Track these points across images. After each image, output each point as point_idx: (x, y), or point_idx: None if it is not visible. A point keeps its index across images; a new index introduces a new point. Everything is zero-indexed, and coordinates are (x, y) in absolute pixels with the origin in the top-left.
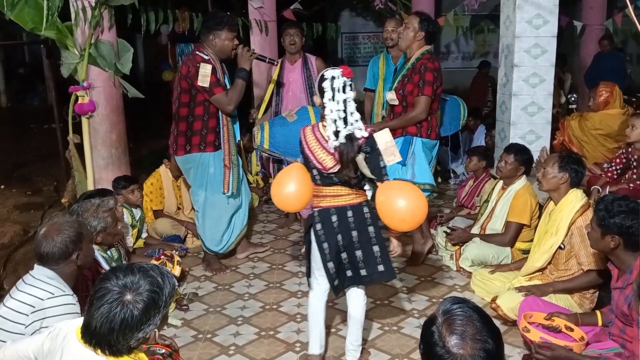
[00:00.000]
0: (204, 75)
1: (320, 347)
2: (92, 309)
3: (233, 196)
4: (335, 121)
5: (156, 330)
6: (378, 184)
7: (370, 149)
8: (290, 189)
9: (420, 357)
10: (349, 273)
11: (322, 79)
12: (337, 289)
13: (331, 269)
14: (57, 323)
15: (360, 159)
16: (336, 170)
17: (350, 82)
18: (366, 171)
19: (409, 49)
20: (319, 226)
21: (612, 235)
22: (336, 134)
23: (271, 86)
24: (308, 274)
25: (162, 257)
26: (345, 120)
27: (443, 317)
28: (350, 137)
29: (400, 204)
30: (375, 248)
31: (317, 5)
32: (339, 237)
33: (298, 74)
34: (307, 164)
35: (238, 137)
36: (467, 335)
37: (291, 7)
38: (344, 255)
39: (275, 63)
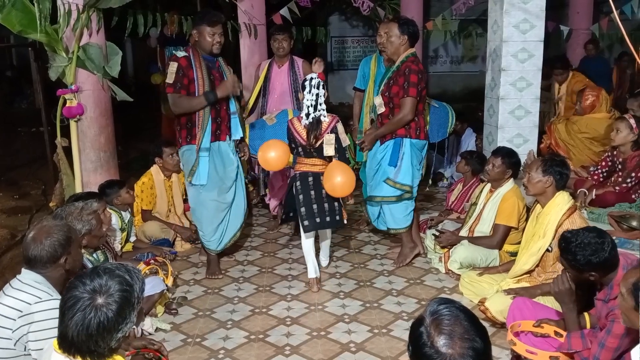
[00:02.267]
0: (170, 73)
1: (315, 272)
2: (65, 319)
3: (214, 192)
4: (308, 107)
5: (135, 327)
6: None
7: (336, 134)
8: (272, 154)
9: (409, 359)
10: (317, 220)
11: (305, 79)
12: (307, 229)
13: (302, 212)
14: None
15: (329, 138)
16: (316, 147)
17: (322, 83)
18: (327, 147)
19: (395, 55)
20: (298, 183)
21: (588, 273)
22: (307, 116)
23: (258, 85)
24: (284, 214)
25: (152, 262)
26: (315, 107)
27: (430, 318)
28: (317, 121)
29: (337, 179)
30: (335, 203)
31: (306, 9)
32: (312, 192)
33: (285, 77)
34: (295, 142)
35: (241, 134)
36: (456, 334)
37: (280, 12)
38: (314, 206)
39: (243, 102)
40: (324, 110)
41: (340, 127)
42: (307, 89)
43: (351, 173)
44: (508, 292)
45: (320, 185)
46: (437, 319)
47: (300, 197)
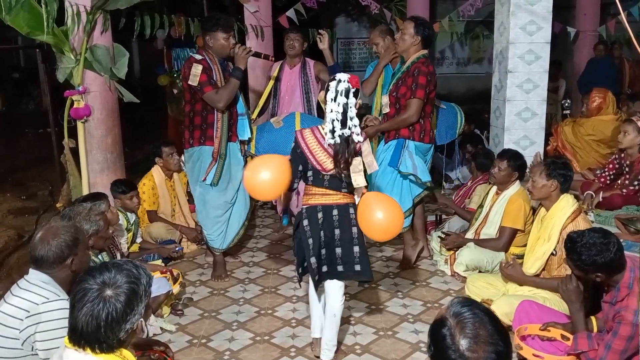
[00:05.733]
0: (194, 75)
1: (319, 330)
2: (75, 311)
3: (223, 192)
4: (333, 121)
5: (142, 320)
6: (363, 191)
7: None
8: (264, 177)
9: (425, 359)
10: (324, 269)
11: (332, 79)
12: (317, 284)
13: (313, 264)
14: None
15: (355, 163)
16: (333, 173)
17: (354, 90)
18: (356, 176)
19: (405, 53)
20: (305, 222)
21: (594, 274)
22: (332, 132)
23: (270, 84)
24: (298, 268)
25: (168, 272)
26: (344, 122)
27: (455, 320)
28: (347, 140)
29: (379, 215)
30: (356, 248)
31: (312, 11)
32: (322, 233)
33: (296, 79)
34: (305, 164)
35: (249, 134)
36: (480, 338)
37: (286, 13)
38: (323, 251)
39: (270, 58)
40: (356, 127)
41: (365, 148)
42: (331, 95)
43: (397, 208)
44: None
45: (332, 222)
46: (462, 322)
47: (310, 241)
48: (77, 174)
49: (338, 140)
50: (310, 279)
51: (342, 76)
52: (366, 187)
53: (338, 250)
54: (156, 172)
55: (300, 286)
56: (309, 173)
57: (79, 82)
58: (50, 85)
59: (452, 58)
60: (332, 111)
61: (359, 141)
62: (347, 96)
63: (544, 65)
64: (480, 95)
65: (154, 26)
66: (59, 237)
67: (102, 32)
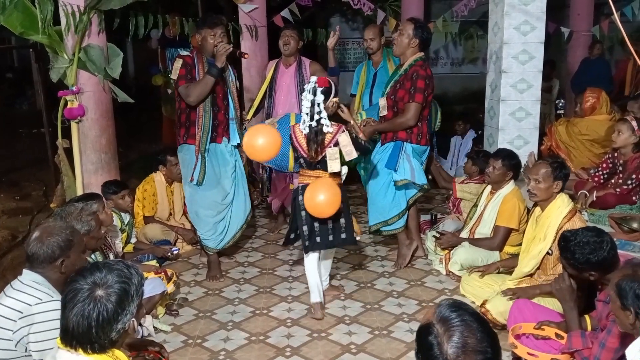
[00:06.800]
0: (175, 69)
1: (319, 295)
2: (66, 312)
3: (212, 192)
4: (304, 114)
5: (134, 320)
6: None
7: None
8: (259, 141)
9: None
10: (317, 239)
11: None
12: (307, 249)
13: (305, 232)
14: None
15: (332, 152)
16: (319, 160)
17: (321, 89)
18: (331, 163)
19: (402, 55)
20: (300, 197)
21: (587, 272)
22: (303, 123)
23: (264, 86)
24: (289, 234)
25: (162, 273)
26: (311, 116)
27: (442, 327)
28: (317, 131)
29: (320, 198)
30: (342, 220)
31: (307, 11)
32: None
33: (291, 78)
34: (297, 152)
35: (238, 140)
36: (469, 347)
37: (281, 13)
38: (316, 224)
39: (245, 55)
40: (324, 119)
41: (343, 139)
42: (305, 94)
43: (335, 190)
44: (505, 292)
45: None
46: (449, 330)
47: (303, 213)
48: (71, 175)
49: (307, 130)
50: (304, 251)
51: (313, 77)
52: (344, 174)
53: (329, 222)
54: (158, 178)
55: (285, 244)
56: (301, 160)
57: (73, 82)
58: (44, 85)
59: (446, 58)
60: (303, 107)
61: (328, 132)
62: (314, 94)
63: (538, 65)
64: (475, 95)
65: (147, 26)
66: (53, 237)
67: (98, 33)
